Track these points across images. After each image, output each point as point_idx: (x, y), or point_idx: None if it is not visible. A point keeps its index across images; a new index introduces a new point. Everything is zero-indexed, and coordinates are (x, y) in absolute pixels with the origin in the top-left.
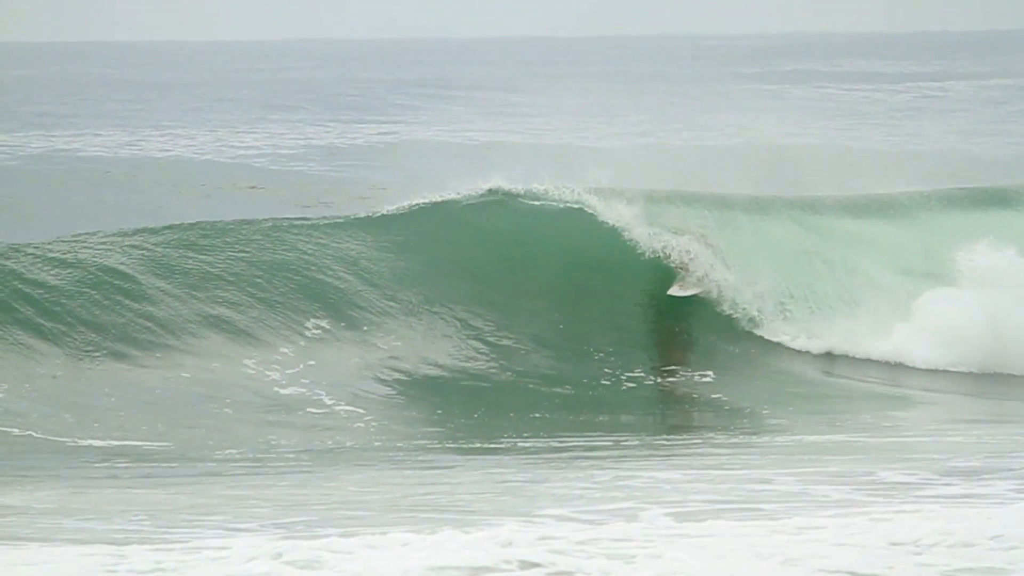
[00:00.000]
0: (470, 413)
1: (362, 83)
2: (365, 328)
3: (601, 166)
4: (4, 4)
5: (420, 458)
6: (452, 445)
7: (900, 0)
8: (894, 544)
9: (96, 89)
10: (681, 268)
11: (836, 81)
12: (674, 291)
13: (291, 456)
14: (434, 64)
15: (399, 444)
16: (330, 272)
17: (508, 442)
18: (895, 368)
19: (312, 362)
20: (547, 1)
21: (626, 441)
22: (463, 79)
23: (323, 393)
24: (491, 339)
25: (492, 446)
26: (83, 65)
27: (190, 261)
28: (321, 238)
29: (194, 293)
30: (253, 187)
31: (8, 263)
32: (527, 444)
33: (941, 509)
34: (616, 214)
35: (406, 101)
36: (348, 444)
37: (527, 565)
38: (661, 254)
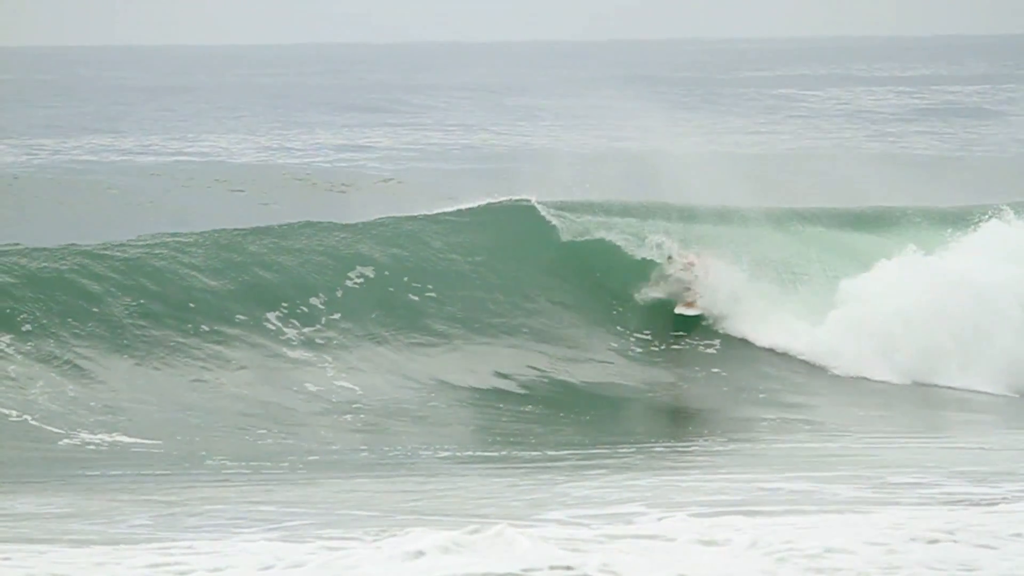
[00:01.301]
0: (472, 416)
1: (376, 87)
2: (377, 327)
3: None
4: (3, 7)
5: (423, 462)
6: (449, 451)
7: (910, 4)
8: (906, 543)
9: (109, 94)
10: (687, 289)
11: (848, 85)
12: (680, 310)
13: (292, 459)
14: (447, 67)
15: (404, 447)
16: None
17: (511, 445)
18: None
19: (324, 362)
20: (550, 4)
21: (631, 444)
22: (496, 83)
23: (331, 394)
24: (502, 341)
25: (493, 453)
26: (92, 69)
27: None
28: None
29: (223, 291)
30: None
31: (32, 264)
32: (530, 447)
33: (947, 512)
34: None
35: (423, 101)
36: (353, 446)
37: (542, 568)
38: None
